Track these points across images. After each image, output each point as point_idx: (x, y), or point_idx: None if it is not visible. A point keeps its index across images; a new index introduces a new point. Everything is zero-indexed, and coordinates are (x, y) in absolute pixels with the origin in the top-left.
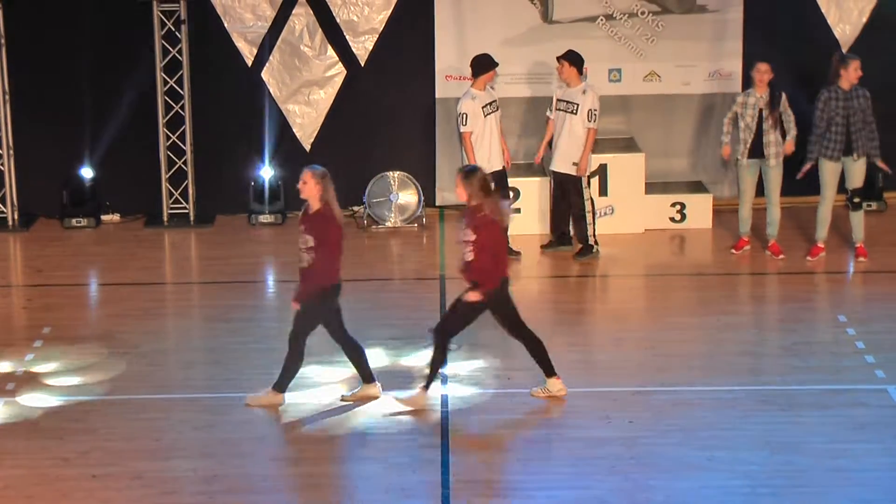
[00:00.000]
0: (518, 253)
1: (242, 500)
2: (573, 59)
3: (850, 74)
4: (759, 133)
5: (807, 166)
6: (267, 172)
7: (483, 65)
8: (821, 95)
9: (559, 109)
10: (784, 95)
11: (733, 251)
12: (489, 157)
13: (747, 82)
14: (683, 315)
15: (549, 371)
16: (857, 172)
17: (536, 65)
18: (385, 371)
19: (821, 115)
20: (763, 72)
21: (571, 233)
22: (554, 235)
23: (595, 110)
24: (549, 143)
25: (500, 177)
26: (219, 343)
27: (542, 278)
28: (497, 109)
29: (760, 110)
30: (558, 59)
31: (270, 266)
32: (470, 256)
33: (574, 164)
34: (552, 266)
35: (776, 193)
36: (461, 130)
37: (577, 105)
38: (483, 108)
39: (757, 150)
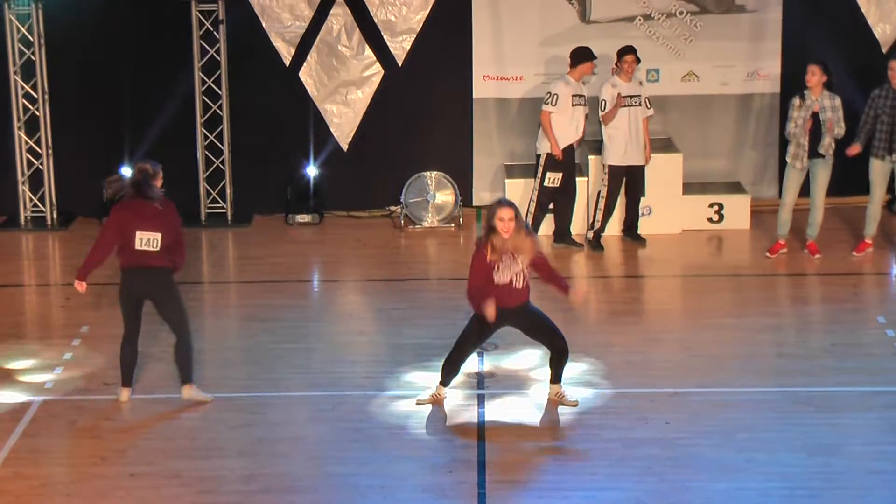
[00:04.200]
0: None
1: (279, 499)
2: (637, 54)
3: (890, 74)
4: (812, 136)
5: (854, 147)
6: (311, 171)
7: (579, 56)
8: (872, 92)
9: (626, 105)
10: (837, 100)
11: (768, 255)
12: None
13: (786, 82)
14: (721, 316)
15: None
16: None
17: None
18: (421, 370)
19: (867, 112)
20: (812, 73)
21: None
22: (600, 234)
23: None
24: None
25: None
26: (255, 343)
27: (580, 278)
28: (584, 105)
29: (815, 113)
30: (628, 54)
31: (307, 266)
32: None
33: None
34: (590, 266)
35: (821, 197)
36: (544, 109)
37: (640, 97)
38: (572, 96)
39: (810, 154)
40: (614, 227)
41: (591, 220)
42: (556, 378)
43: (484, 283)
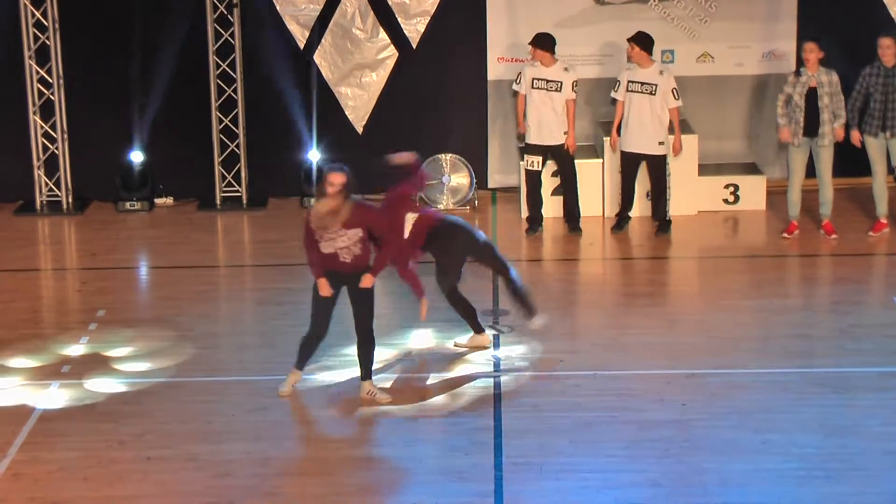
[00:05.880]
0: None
1: (295, 482)
2: (643, 41)
3: (881, 52)
4: (809, 112)
5: (853, 133)
6: (316, 155)
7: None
8: (863, 70)
9: (632, 91)
10: (835, 76)
11: (786, 235)
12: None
13: (801, 63)
14: (737, 297)
15: None
16: None
17: (589, 47)
18: (432, 353)
19: (858, 89)
20: (809, 51)
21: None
22: (622, 216)
23: (677, 88)
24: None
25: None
26: (271, 326)
27: (596, 260)
28: (557, 91)
29: (811, 89)
30: (628, 40)
31: None
32: None
33: (661, 143)
34: (606, 248)
35: (828, 173)
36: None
37: (656, 86)
38: (533, 79)
39: (808, 130)
40: (637, 210)
41: None
42: (364, 374)
43: (313, 248)
